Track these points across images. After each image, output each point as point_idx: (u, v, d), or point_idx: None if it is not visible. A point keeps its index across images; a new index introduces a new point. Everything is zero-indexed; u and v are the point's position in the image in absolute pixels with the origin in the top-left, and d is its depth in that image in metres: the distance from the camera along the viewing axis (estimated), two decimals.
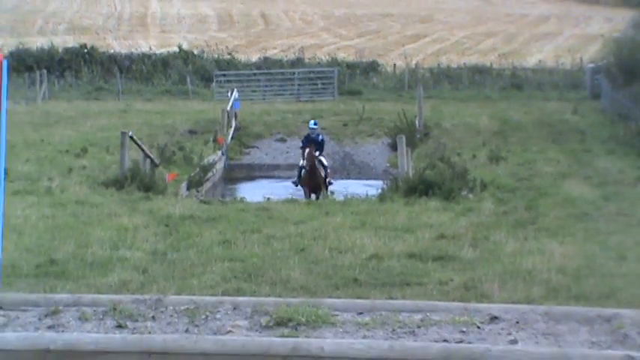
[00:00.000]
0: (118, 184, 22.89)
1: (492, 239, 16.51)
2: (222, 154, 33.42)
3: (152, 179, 23.72)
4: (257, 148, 36.81)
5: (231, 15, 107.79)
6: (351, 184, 28.75)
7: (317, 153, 26.87)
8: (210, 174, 29.54)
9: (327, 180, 27.18)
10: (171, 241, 16.29)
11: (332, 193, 25.01)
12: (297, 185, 27.48)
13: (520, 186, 24.32)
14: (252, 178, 32.51)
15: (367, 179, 31.35)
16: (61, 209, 19.19)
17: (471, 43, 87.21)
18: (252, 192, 27.74)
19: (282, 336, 6.32)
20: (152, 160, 25.36)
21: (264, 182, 30.74)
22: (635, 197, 22.54)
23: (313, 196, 26.47)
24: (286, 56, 71.90)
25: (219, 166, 32.16)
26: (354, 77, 60.46)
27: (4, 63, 8.32)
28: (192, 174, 27.74)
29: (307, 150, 26.23)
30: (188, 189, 26.11)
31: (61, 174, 24.31)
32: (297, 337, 6.31)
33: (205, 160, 30.29)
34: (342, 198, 23.23)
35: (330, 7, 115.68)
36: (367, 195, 24.15)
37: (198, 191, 26.47)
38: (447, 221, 18.67)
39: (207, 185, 28.46)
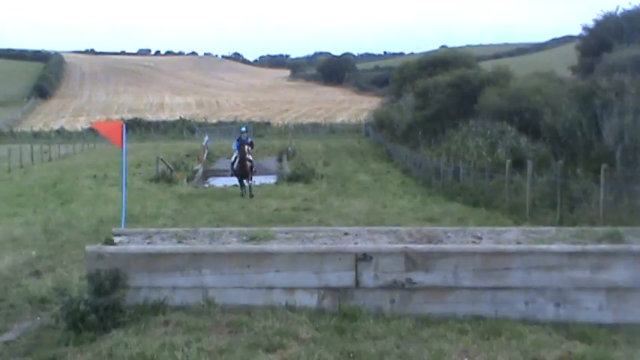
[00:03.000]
0: (155, 180, 22.41)
1: (328, 200, 16.78)
2: (202, 165, 32.87)
3: (171, 177, 23.27)
4: (218, 162, 36.20)
5: (203, 102, 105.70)
6: (262, 178, 28.48)
7: (249, 149, 21.26)
8: (196, 174, 29.02)
9: (253, 170, 24.81)
10: (183, 205, 16.06)
11: (254, 182, 24.46)
12: (232, 175, 24.29)
13: (328, 175, 24.51)
14: (216, 176, 31.84)
15: (269, 175, 31.14)
16: (131, 191, 18.67)
17: (311, 112, 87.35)
18: (217, 182, 27.27)
19: (255, 244, 6.34)
20: (170, 169, 24.82)
21: (222, 178, 30.17)
22: (387, 180, 23.17)
23: (245, 182, 24.27)
24: (228, 120, 71.55)
25: (200, 170, 31.57)
26: (261, 129, 60.33)
27: (124, 127, 8.23)
28: (188, 174, 27.26)
29: (245, 147, 19.45)
30: (187, 181, 25.60)
31: (130, 175, 23.58)
32: (261, 244, 6.33)
33: (194, 168, 29.82)
34: (258, 184, 23.10)
35: (247, 96, 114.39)
36: (270, 182, 24.13)
37: (192, 182, 26.00)
38: (307, 192, 18.90)
39: (196, 179, 27.91)
